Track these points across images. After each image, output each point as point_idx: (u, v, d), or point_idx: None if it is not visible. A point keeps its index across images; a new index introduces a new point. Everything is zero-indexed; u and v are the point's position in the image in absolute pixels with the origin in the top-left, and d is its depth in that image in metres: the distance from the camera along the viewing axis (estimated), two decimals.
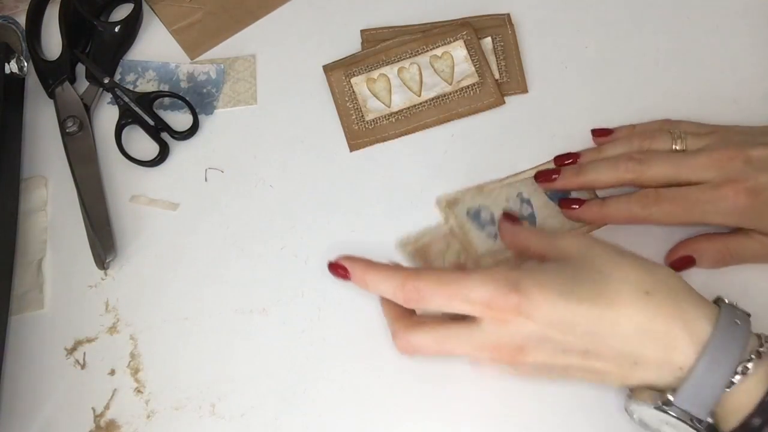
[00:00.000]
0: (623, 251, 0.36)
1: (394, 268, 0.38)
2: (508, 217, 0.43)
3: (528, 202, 0.44)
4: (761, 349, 0.33)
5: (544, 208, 0.44)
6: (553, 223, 0.44)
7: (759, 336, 0.34)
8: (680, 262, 0.42)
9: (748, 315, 0.35)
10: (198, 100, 0.53)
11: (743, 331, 0.33)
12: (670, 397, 0.34)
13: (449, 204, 0.41)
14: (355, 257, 0.39)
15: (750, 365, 0.32)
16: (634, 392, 0.37)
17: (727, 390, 0.33)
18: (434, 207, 0.41)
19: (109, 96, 0.54)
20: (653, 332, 0.33)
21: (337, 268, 0.39)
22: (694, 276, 0.43)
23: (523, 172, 0.45)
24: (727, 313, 0.34)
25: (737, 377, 0.32)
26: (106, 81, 0.53)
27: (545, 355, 0.35)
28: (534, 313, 0.34)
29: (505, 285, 0.34)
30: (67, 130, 0.52)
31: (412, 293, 0.36)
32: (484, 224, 0.42)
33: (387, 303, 0.39)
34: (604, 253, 0.36)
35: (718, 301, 0.36)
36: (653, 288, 0.34)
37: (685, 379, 0.33)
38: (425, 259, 0.40)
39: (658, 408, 0.34)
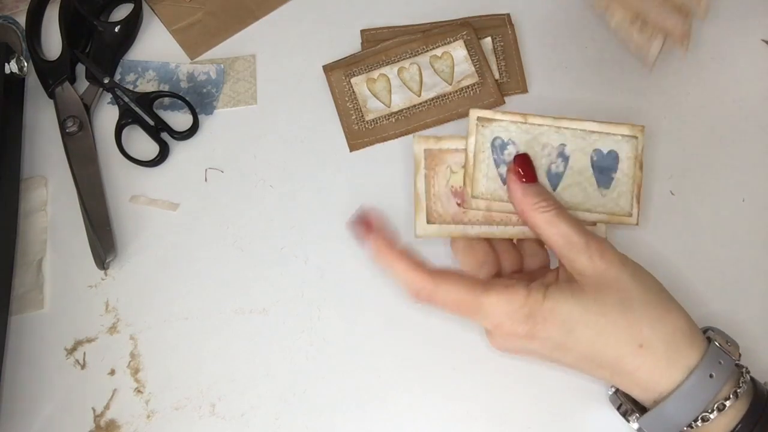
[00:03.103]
0: (634, 294, 0.36)
1: (414, 267, 0.38)
2: (521, 163, 0.39)
3: (565, 159, 0.40)
4: (739, 390, 0.35)
5: (577, 175, 0.40)
6: (569, 196, 0.40)
7: (741, 371, 0.36)
8: None
9: (736, 348, 0.37)
10: (198, 100, 0.53)
11: (717, 381, 0.35)
12: (636, 415, 0.38)
13: (481, 121, 0.38)
14: (380, 230, 0.38)
15: (728, 402, 0.35)
16: (616, 391, 0.41)
17: (702, 423, 0.35)
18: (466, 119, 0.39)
19: (109, 96, 0.54)
20: (636, 377, 0.36)
21: (360, 226, 0.39)
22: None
23: (584, 121, 0.39)
24: (708, 360, 0.36)
25: (714, 413, 0.35)
26: (106, 81, 0.53)
27: (538, 358, 0.39)
28: (537, 338, 0.37)
29: (518, 314, 0.36)
30: (67, 130, 0.52)
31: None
32: (500, 162, 0.39)
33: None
34: (615, 293, 0.36)
35: (709, 335, 0.38)
36: (648, 341, 0.36)
37: (652, 410, 0.36)
38: (433, 168, 0.39)
39: (623, 415, 0.40)
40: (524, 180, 0.39)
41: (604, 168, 0.41)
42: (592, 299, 0.36)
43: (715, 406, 0.35)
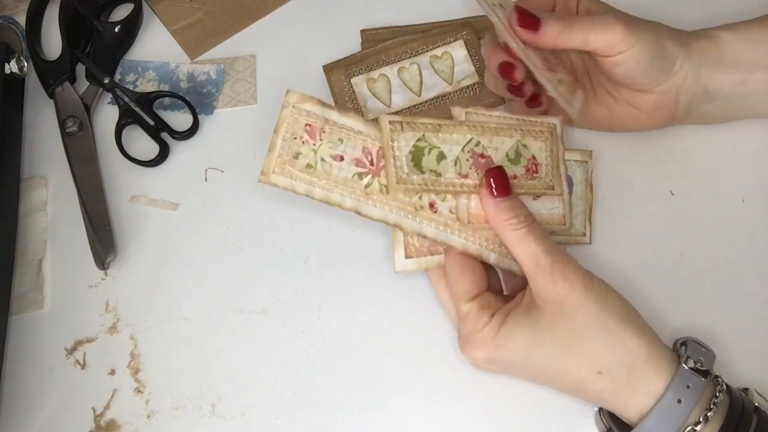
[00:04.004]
0: (592, 320, 0.36)
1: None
2: (494, 177, 0.38)
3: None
4: (709, 414, 0.34)
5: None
6: None
7: (716, 387, 0.35)
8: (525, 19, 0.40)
9: (712, 360, 0.37)
10: (198, 100, 0.53)
11: (685, 405, 0.35)
12: None
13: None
14: None
15: (698, 427, 0.34)
16: (600, 411, 0.40)
17: None
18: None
19: (109, 96, 0.54)
20: (602, 399, 0.37)
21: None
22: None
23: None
24: (675, 386, 0.35)
25: (699, 426, 0.34)
26: (106, 81, 0.53)
27: (507, 375, 0.41)
28: (496, 363, 0.38)
29: (478, 337, 0.38)
30: (67, 130, 0.52)
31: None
32: None
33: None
34: (573, 318, 0.36)
35: (680, 352, 0.37)
36: (607, 367, 0.36)
37: None
38: None
39: None
40: (496, 195, 0.38)
41: None
42: (548, 326, 0.36)
43: (687, 430, 0.34)
